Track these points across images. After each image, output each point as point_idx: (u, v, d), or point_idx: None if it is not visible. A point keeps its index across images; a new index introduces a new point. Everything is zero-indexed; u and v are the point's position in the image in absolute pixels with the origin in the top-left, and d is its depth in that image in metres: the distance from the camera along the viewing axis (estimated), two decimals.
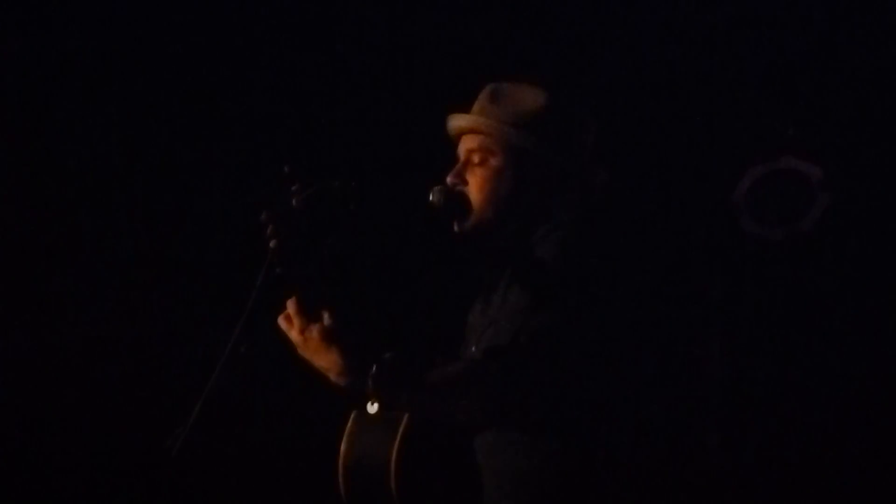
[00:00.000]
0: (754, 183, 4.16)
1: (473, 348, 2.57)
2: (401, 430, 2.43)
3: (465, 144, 2.61)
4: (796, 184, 4.12)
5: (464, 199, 2.57)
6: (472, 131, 2.60)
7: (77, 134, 4.27)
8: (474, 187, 2.56)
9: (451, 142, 2.65)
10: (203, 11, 4.21)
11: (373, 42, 4.26)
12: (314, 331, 2.33)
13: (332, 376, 2.34)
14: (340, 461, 2.47)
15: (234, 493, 4.20)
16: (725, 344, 4.16)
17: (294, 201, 2.36)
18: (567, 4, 4.19)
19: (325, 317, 2.33)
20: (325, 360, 2.33)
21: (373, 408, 2.31)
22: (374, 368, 2.28)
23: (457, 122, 2.63)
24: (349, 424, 2.48)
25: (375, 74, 4.24)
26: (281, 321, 2.37)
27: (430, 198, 2.56)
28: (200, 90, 4.26)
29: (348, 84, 4.25)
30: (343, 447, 2.47)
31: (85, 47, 4.21)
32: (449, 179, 2.59)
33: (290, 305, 2.36)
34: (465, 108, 2.64)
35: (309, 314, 2.34)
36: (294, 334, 2.36)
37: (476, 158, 2.57)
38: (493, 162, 2.55)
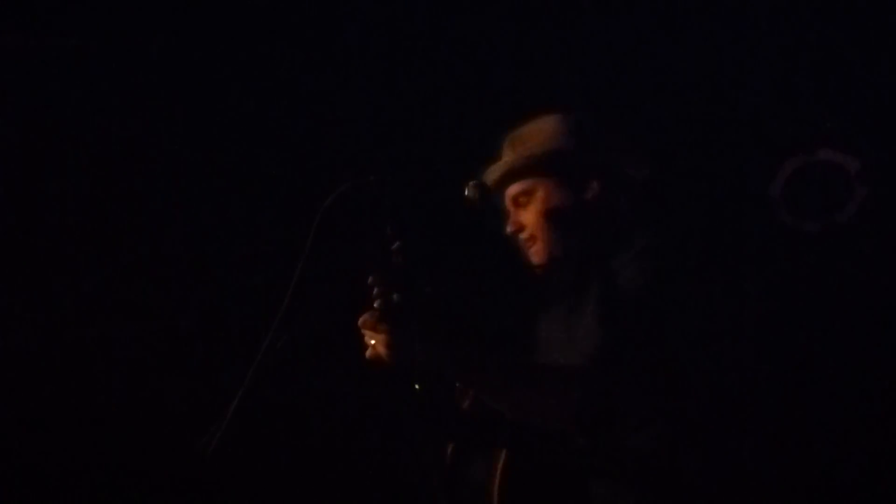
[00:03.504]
0: (791, 175, 4.14)
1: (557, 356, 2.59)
2: (500, 463, 2.46)
3: (509, 194, 2.69)
4: (834, 176, 4.10)
5: (528, 242, 2.64)
6: (507, 179, 2.67)
7: (78, 134, 4.28)
8: (532, 225, 2.64)
9: (498, 198, 2.72)
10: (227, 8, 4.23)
11: (387, 37, 4.27)
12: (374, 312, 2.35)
13: (386, 353, 2.35)
14: (442, 494, 2.51)
15: (258, 492, 4.21)
16: (762, 339, 4.13)
17: (395, 259, 2.38)
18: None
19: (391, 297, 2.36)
20: (382, 338, 2.35)
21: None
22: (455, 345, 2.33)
23: (491, 176, 2.70)
24: (449, 455, 2.52)
25: (403, 72, 4.25)
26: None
27: (466, 193, 2.58)
28: (205, 88, 4.27)
29: (375, 80, 4.26)
30: (444, 478, 2.51)
31: (92, 47, 4.23)
32: (508, 231, 2.68)
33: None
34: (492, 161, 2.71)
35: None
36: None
37: (523, 199, 2.65)
38: (539, 194, 2.63)
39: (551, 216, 2.61)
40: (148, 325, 4.25)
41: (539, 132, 2.66)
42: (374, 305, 2.34)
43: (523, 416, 2.43)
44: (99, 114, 4.28)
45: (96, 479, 4.17)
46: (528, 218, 2.64)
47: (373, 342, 2.38)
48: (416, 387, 2.40)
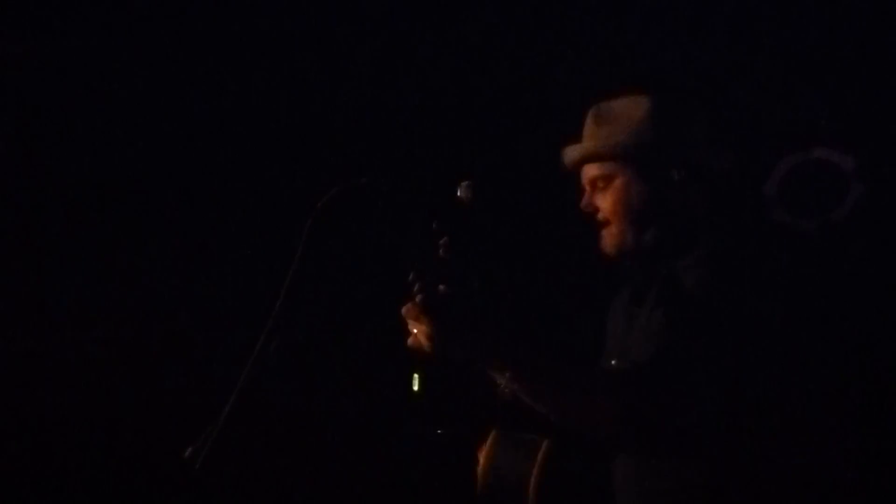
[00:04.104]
0: (787, 173, 4.14)
1: (614, 361, 2.58)
2: (541, 453, 2.46)
3: (588, 174, 2.62)
4: (829, 174, 4.10)
5: (602, 225, 2.59)
6: (589, 159, 2.61)
7: (78, 135, 4.29)
8: (608, 210, 2.58)
9: (573, 175, 2.66)
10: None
11: (383, 39, 4.27)
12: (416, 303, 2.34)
13: (429, 343, 2.34)
14: (480, 481, 2.49)
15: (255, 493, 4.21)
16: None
17: (441, 252, 2.37)
18: None
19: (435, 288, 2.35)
20: (424, 328, 2.33)
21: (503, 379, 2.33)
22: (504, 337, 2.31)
23: (571, 154, 2.64)
24: (489, 443, 2.50)
25: (398, 72, 4.26)
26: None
27: (458, 193, 2.56)
28: (204, 90, 4.28)
29: (372, 81, 4.27)
30: (482, 467, 2.50)
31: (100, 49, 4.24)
32: (583, 209, 2.62)
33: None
34: (576, 139, 2.65)
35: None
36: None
37: (601, 184, 2.59)
38: (619, 182, 2.56)
39: (629, 206, 2.55)
40: (145, 326, 4.26)
41: (626, 116, 2.57)
42: (416, 299, 2.32)
43: (562, 417, 2.39)
44: (99, 115, 4.29)
45: (95, 479, 4.18)
46: (604, 203, 2.58)
47: (415, 331, 2.35)
48: (415, 382, 2.40)
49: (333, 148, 4.20)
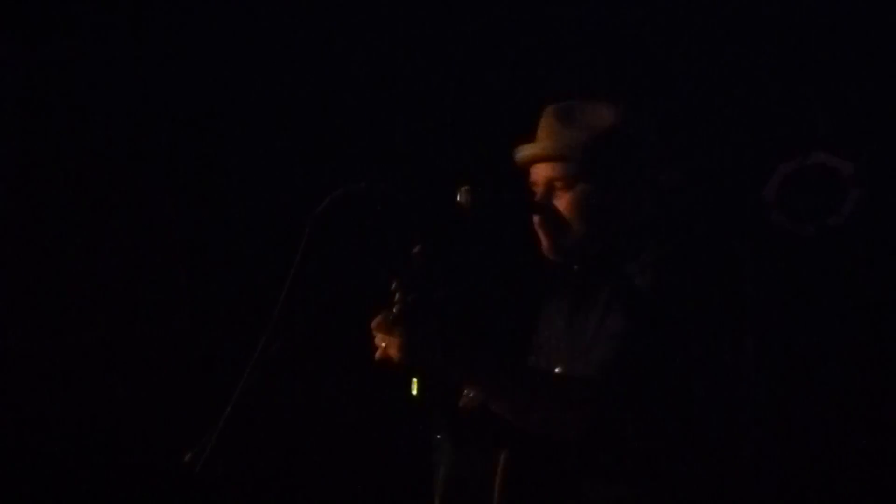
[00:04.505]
0: (785, 179, 4.15)
1: (559, 368, 2.57)
2: (502, 461, 2.46)
3: (544, 172, 2.58)
4: (827, 179, 4.11)
5: (551, 226, 2.57)
6: (548, 159, 2.57)
7: (78, 137, 4.29)
8: (565, 213, 2.55)
9: (520, 170, 2.63)
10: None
11: (382, 40, 4.27)
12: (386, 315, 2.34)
13: (398, 356, 2.34)
14: (440, 490, 2.50)
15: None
16: (758, 342, 4.13)
17: (415, 262, 2.36)
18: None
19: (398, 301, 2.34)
20: (395, 341, 2.33)
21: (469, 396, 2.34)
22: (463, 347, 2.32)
23: (530, 151, 2.61)
24: (444, 450, 2.51)
25: (398, 74, 4.26)
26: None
27: (458, 198, 2.56)
28: (202, 92, 4.28)
29: (372, 83, 4.27)
30: (441, 473, 2.51)
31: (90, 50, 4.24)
32: (533, 210, 2.59)
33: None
34: (527, 134, 2.62)
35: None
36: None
37: (560, 185, 2.56)
38: (581, 186, 2.54)
39: (588, 210, 2.53)
40: (143, 328, 4.26)
41: (594, 122, 2.55)
42: (394, 308, 2.32)
43: (528, 424, 2.40)
44: (98, 116, 4.29)
45: (95, 479, 4.19)
46: (561, 204, 2.55)
47: (384, 345, 2.35)
48: (414, 387, 2.40)
49: (333, 152, 4.20)
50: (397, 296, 2.33)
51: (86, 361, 4.24)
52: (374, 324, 2.35)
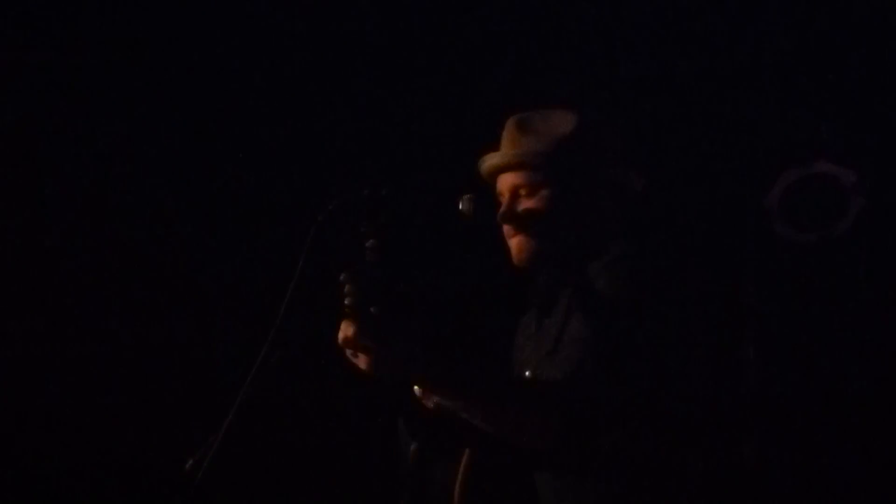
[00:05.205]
0: (788, 187, 4.15)
1: (528, 372, 2.58)
2: (462, 464, 2.47)
3: (508, 181, 2.62)
4: (830, 188, 4.11)
5: (518, 233, 2.59)
6: (511, 168, 2.61)
7: (78, 136, 4.29)
8: (530, 219, 2.58)
9: (486, 181, 2.67)
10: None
11: (383, 42, 4.28)
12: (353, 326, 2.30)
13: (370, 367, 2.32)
14: (406, 491, 2.50)
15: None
16: (759, 349, 4.14)
17: (369, 257, 2.35)
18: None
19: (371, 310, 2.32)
20: (364, 358, 2.31)
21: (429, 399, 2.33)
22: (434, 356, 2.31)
23: (493, 161, 2.64)
24: (411, 457, 2.51)
25: (400, 79, 4.26)
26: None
27: (460, 206, 2.57)
28: (201, 96, 4.28)
29: (372, 88, 4.27)
30: (407, 476, 2.50)
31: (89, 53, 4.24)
32: (500, 219, 2.61)
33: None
34: (490, 145, 2.65)
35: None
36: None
37: (524, 192, 2.60)
38: (545, 192, 2.57)
39: (550, 215, 2.57)
40: (142, 330, 4.27)
41: (553, 129, 2.59)
42: (346, 306, 2.28)
43: (500, 432, 2.39)
44: (98, 119, 4.29)
45: (95, 480, 4.19)
46: (525, 212, 2.59)
47: (354, 360, 2.34)
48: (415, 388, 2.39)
49: (335, 157, 4.21)
50: (347, 288, 2.29)
51: (86, 362, 4.24)
52: (340, 340, 2.31)
